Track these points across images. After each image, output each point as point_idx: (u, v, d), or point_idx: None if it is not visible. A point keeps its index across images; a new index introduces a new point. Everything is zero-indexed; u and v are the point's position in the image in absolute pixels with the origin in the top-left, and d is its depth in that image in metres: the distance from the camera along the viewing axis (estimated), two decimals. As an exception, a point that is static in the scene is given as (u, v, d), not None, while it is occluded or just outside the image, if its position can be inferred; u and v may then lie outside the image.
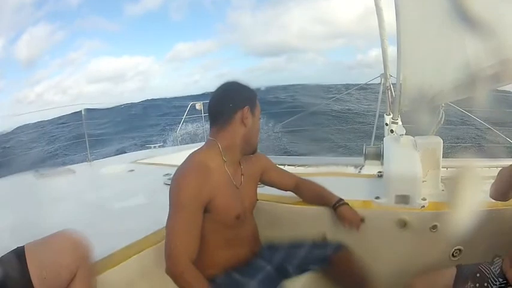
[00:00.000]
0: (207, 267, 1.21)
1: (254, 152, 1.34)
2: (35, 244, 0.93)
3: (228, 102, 1.25)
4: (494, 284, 1.13)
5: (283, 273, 1.31)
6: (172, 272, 1.11)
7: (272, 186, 1.54)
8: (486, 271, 1.17)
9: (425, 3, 1.41)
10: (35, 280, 0.85)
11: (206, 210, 1.19)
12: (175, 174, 1.20)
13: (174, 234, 1.13)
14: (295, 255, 1.34)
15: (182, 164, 1.24)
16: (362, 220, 1.42)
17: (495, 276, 1.14)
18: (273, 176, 1.51)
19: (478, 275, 1.17)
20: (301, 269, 1.34)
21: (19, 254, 0.88)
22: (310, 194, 1.55)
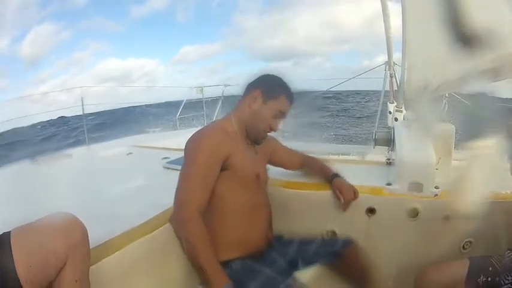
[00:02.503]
0: (223, 246, 1.23)
1: (257, 143, 1.36)
2: (22, 229, 0.84)
3: (250, 83, 1.35)
4: (506, 279, 1.09)
5: (294, 267, 1.31)
6: (179, 218, 1.13)
7: (281, 167, 1.60)
8: (498, 265, 1.13)
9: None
10: (19, 268, 0.77)
11: (226, 167, 1.23)
12: (192, 136, 1.26)
13: (188, 182, 1.16)
14: (306, 251, 1.34)
15: (199, 129, 1.30)
16: (356, 194, 1.41)
17: (507, 270, 1.10)
18: (282, 156, 1.56)
19: (490, 268, 1.14)
20: (310, 262, 1.33)
21: (4, 240, 0.80)
22: (314, 170, 1.59)
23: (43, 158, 2.87)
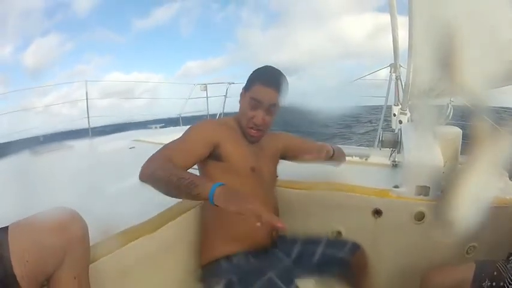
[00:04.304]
0: (224, 240, 1.21)
1: (249, 141, 1.31)
2: (20, 223, 0.82)
3: None
4: (510, 284, 1.08)
5: (300, 269, 1.27)
6: (146, 166, 1.05)
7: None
8: (503, 270, 1.12)
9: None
10: (15, 263, 0.75)
11: (218, 157, 1.21)
12: None
13: (168, 146, 1.14)
14: (312, 252, 1.29)
15: None
16: (325, 154, 1.34)
17: (511, 275, 1.08)
18: (297, 150, 1.43)
19: (495, 273, 1.12)
20: (319, 270, 1.28)
21: (2, 234, 0.78)
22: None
23: (43, 148, 2.83)
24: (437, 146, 1.43)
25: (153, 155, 1.10)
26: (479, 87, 1.13)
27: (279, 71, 1.29)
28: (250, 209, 0.88)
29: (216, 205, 0.92)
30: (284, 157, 1.46)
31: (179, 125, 4.88)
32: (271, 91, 1.23)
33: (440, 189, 1.36)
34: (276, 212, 1.36)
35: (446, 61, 1.23)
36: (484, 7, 1.14)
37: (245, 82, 1.31)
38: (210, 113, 5.17)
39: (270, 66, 1.30)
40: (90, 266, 0.92)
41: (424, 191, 1.37)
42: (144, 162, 1.08)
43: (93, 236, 0.93)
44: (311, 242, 1.33)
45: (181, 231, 1.31)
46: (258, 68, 1.30)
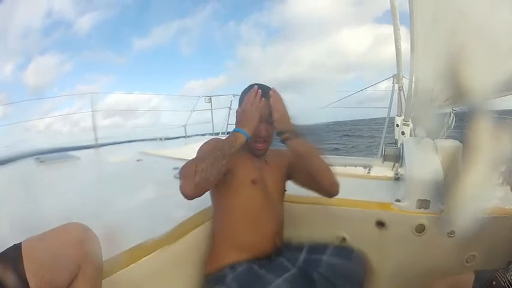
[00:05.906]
0: (229, 250, 1.25)
1: (255, 154, 1.35)
2: (33, 240, 0.84)
3: None
4: None
5: (308, 281, 1.25)
6: (184, 181, 1.09)
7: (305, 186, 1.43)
8: (502, 279, 1.13)
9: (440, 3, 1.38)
10: (31, 280, 0.76)
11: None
12: None
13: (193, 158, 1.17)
14: (318, 262, 1.29)
15: None
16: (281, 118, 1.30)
17: (510, 284, 1.09)
18: (303, 169, 1.39)
19: (494, 282, 1.13)
20: (324, 278, 1.25)
21: (15, 251, 0.79)
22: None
23: (48, 158, 2.80)
24: (438, 159, 1.45)
25: (182, 171, 1.13)
26: (482, 96, 1.15)
27: (265, 85, 1.33)
28: (249, 99, 1.25)
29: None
30: (290, 176, 1.45)
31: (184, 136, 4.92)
32: (262, 103, 1.28)
33: (441, 202, 1.38)
34: (281, 226, 1.38)
35: (449, 70, 1.26)
36: (486, 13, 1.16)
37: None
38: (214, 123, 5.18)
39: (256, 83, 1.34)
40: (103, 281, 0.93)
41: (424, 204, 1.39)
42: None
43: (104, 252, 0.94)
44: (316, 251, 1.33)
45: (192, 245, 1.33)
46: (245, 88, 1.35)
